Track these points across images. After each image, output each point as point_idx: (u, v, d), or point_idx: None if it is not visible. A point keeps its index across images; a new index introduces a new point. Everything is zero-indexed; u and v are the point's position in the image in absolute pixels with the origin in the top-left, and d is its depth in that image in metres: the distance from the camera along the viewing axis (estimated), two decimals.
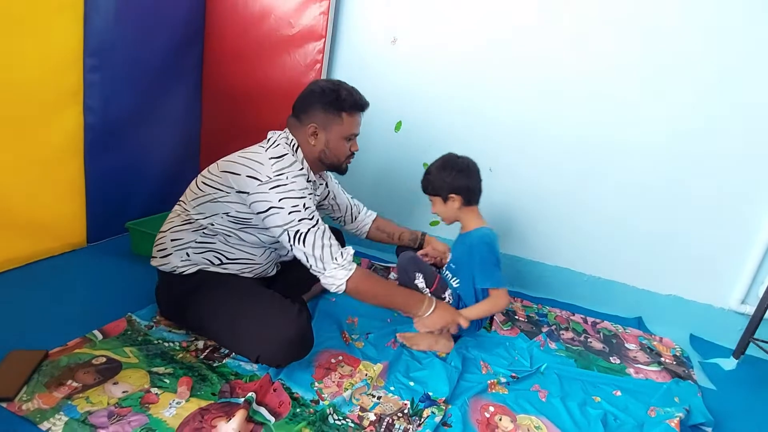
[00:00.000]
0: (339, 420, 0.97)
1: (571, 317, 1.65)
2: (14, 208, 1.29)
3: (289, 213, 1.05)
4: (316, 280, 1.10)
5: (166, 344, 1.09)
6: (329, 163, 1.20)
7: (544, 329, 1.51)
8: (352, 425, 0.96)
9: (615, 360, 1.41)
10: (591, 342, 1.50)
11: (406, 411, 1.03)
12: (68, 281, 1.30)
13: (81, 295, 1.26)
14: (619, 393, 1.23)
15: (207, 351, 1.09)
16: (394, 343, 1.28)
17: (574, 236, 1.73)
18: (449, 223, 1.38)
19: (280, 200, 1.05)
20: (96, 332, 1.08)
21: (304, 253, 1.06)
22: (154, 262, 1.15)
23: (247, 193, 1.06)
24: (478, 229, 1.31)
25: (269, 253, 1.21)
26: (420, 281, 1.29)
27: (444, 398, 1.07)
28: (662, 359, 1.45)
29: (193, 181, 1.16)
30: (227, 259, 1.14)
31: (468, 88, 1.71)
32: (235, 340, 1.06)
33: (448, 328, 1.25)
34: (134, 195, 1.67)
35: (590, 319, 1.65)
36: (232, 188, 1.08)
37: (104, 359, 0.99)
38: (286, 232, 1.06)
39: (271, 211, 1.05)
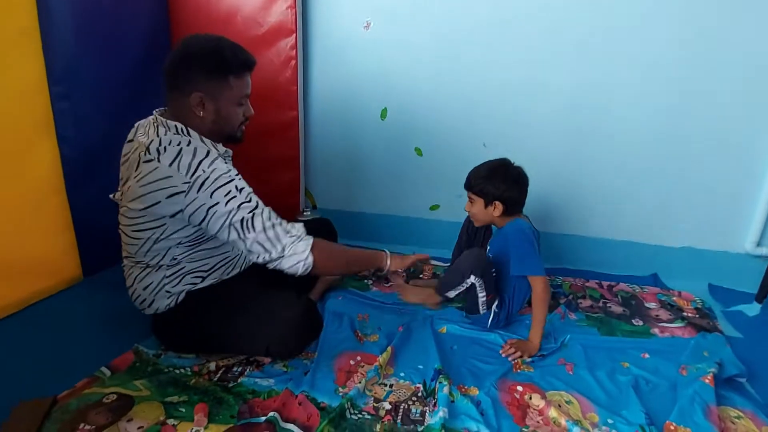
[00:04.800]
0: (355, 414, 0.95)
1: (586, 284, 1.61)
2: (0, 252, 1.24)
3: (226, 204, 0.95)
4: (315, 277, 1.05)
5: (177, 371, 1.05)
6: (222, 133, 1.06)
7: (562, 300, 1.47)
8: (369, 417, 0.94)
9: (638, 322, 1.38)
10: (611, 307, 1.46)
11: (419, 394, 1.02)
12: (69, 320, 1.26)
13: (84, 333, 1.22)
14: (647, 355, 1.20)
15: (220, 372, 1.05)
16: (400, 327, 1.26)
17: (578, 200, 1.69)
18: (480, 225, 1.35)
19: (211, 195, 0.94)
20: (104, 369, 1.04)
21: (257, 241, 0.96)
22: (146, 312, 1.10)
23: (181, 210, 0.96)
24: (513, 221, 1.28)
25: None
26: (480, 291, 1.23)
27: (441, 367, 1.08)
28: (685, 314, 1.42)
29: (122, 234, 1.06)
30: (205, 272, 1.10)
31: (451, 64, 1.64)
32: (242, 340, 1.04)
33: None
34: None
35: (606, 283, 1.62)
36: (165, 216, 0.98)
37: (115, 396, 0.95)
38: (232, 228, 0.95)
39: (209, 212, 0.95)
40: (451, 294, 1.28)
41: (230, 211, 0.95)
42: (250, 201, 0.98)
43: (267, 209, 1.00)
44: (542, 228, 1.73)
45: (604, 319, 1.39)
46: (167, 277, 1.06)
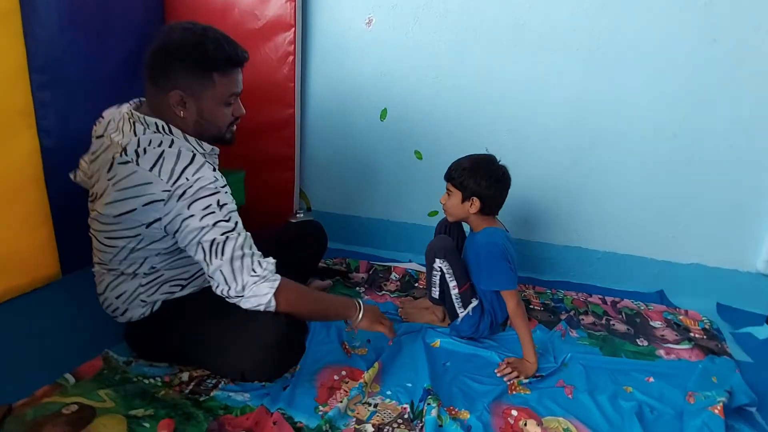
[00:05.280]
0: None
1: (589, 299, 1.54)
2: None
3: (201, 219, 0.85)
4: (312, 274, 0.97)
5: (147, 381, 0.98)
6: (208, 134, 0.96)
7: (563, 316, 1.40)
8: None
9: (642, 342, 1.30)
10: (614, 324, 1.39)
11: (406, 416, 0.94)
12: (39, 321, 1.19)
13: (53, 335, 1.15)
14: (651, 379, 1.12)
15: (193, 383, 0.98)
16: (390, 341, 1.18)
17: (583, 211, 1.61)
18: (453, 220, 1.27)
19: (189, 206, 0.86)
20: (68, 376, 0.97)
21: (220, 270, 0.86)
22: (118, 320, 1.02)
23: (159, 219, 0.88)
24: (487, 229, 1.20)
25: None
26: (450, 277, 1.18)
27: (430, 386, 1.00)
28: (692, 334, 1.34)
29: (93, 239, 0.98)
30: (185, 279, 1.02)
31: (455, 65, 1.58)
32: (215, 362, 0.96)
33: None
34: None
35: (609, 299, 1.54)
36: (141, 225, 0.89)
37: (76, 407, 0.88)
38: (200, 247, 0.86)
39: (183, 224, 0.86)
40: (435, 292, 1.23)
41: (203, 228, 0.86)
42: (228, 220, 0.88)
43: (244, 235, 0.90)
44: (544, 238, 1.67)
45: (606, 337, 1.31)
46: (143, 285, 0.98)
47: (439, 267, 1.18)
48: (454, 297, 1.19)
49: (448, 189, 1.21)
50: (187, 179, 0.86)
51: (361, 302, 1.06)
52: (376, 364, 1.06)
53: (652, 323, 1.41)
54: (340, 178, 1.81)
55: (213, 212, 0.86)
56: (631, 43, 1.42)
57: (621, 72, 1.45)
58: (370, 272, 1.62)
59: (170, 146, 0.89)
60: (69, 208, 1.40)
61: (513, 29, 1.49)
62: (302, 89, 1.71)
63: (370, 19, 1.61)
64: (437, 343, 1.21)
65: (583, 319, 1.40)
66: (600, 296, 1.56)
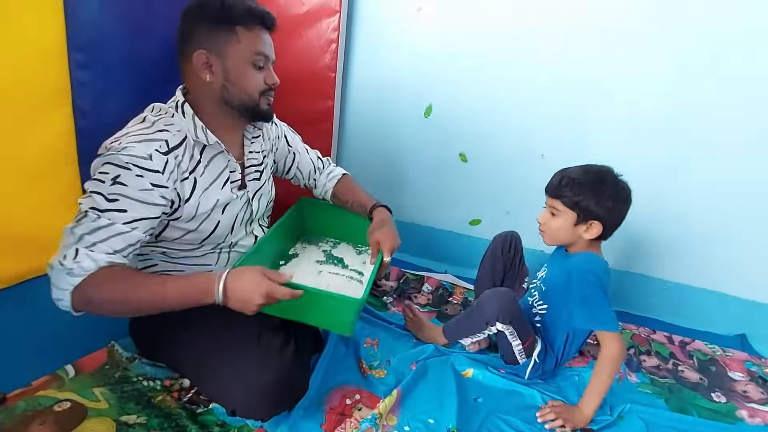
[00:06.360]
0: None
1: (652, 335, 1.32)
2: (2, 224, 1.17)
3: (91, 181, 0.76)
4: None
5: (146, 383, 0.91)
6: (239, 104, 0.86)
7: None
8: None
9: (719, 398, 1.08)
10: (683, 371, 1.17)
11: None
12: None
13: (66, 319, 1.11)
14: None
15: (192, 392, 0.90)
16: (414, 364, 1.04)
17: (655, 235, 1.39)
18: (551, 243, 1.04)
19: (96, 168, 0.78)
20: (68, 367, 0.92)
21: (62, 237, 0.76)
22: None
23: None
24: (585, 253, 1.00)
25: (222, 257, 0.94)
26: (513, 337, 1.00)
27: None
28: None
29: None
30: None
31: (512, 60, 1.41)
32: (208, 388, 0.86)
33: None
34: None
35: (677, 338, 1.31)
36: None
37: (68, 404, 0.82)
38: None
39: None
40: (467, 342, 1.06)
41: (85, 191, 0.77)
42: (109, 200, 0.74)
43: (104, 223, 0.73)
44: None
45: (674, 387, 1.10)
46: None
47: (501, 329, 1.00)
48: (516, 352, 1.02)
49: (553, 207, 0.99)
50: (119, 143, 0.76)
51: (224, 278, 0.74)
52: (394, 392, 0.92)
53: (730, 374, 1.18)
54: (377, 175, 1.69)
55: (102, 181, 0.75)
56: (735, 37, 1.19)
57: (713, 83, 1.22)
58: (401, 281, 1.49)
59: (143, 120, 0.83)
60: None
61: (586, 16, 1.30)
62: (344, 80, 1.61)
63: (420, 6, 1.48)
64: (469, 372, 1.05)
65: (644, 360, 1.20)
66: (665, 333, 1.34)
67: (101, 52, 1.29)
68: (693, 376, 1.15)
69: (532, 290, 1.13)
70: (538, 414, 0.94)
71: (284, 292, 0.74)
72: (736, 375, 1.18)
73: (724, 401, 1.07)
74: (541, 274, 1.11)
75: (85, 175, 1.31)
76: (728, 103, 1.23)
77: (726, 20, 1.18)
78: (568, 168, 1.00)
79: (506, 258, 1.19)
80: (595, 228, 0.96)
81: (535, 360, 1.02)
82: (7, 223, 1.18)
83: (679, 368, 1.18)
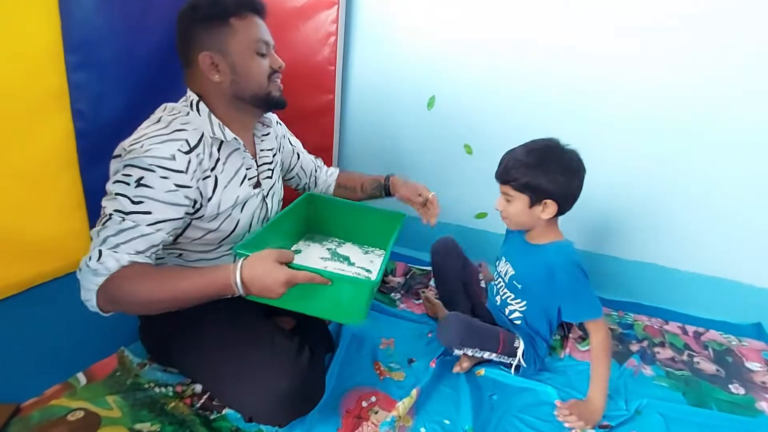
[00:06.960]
0: None
1: (665, 326, 1.30)
2: (5, 229, 1.16)
3: (112, 183, 0.76)
4: None
5: (158, 389, 0.90)
6: (251, 96, 0.86)
7: (634, 347, 1.18)
8: None
9: (738, 389, 1.07)
10: (699, 363, 1.15)
11: None
12: (62, 309, 1.14)
13: (73, 325, 1.10)
14: None
15: (205, 398, 0.89)
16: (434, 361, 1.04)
17: (665, 224, 1.36)
18: (515, 227, 1.02)
19: (116, 170, 0.77)
20: (80, 375, 0.92)
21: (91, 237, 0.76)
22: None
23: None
24: (556, 244, 0.97)
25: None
26: (479, 354, 1.00)
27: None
28: None
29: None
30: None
31: (517, 49, 1.37)
32: (224, 395, 0.85)
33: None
34: None
35: (691, 329, 1.30)
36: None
37: (82, 413, 0.82)
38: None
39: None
40: (469, 353, 1.02)
41: (108, 193, 0.77)
42: (134, 202, 0.74)
43: (129, 226, 0.74)
44: (614, 252, 1.45)
45: (690, 379, 1.09)
46: None
47: (463, 353, 1.00)
48: (496, 360, 1.02)
49: (506, 193, 0.96)
50: (141, 146, 0.75)
51: (238, 272, 0.72)
52: (413, 392, 0.91)
53: (747, 364, 1.16)
54: (379, 169, 1.64)
55: (126, 183, 0.74)
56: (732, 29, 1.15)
57: (725, 57, 1.19)
58: (408, 276, 1.48)
59: (158, 121, 0.82)
60: (103, 193, 1.36)
61: (595, 6, 1.27)
62: (343, 73, 1.58)
63: None
64: (482, 371, 1.04)
65: (658, 353, 1.18)
66: (679, 324, 1.32)
67: (97, 51, 1.26)
68: (709, 367, 1.14)
69: (501, 289, 1.09)
70: (556, 412, 0.93)
71: (304, 275, 0.73)
72: (754, 365, 1.16)
73: (743, 393, 1.05)
74: (505, 268, 1.07)
75: (86, 177, 1.30)
76: (737, 85, 1.19)
77: (726, 20, 1.14)
78: (514, 149, 0.97)
79: (455, 268, 1.18)
80: (551, 207, 0.93)
81: (521, 362, 1.01)
82: (10, 229, 1.17)
83: (695, 359, 1.16)
